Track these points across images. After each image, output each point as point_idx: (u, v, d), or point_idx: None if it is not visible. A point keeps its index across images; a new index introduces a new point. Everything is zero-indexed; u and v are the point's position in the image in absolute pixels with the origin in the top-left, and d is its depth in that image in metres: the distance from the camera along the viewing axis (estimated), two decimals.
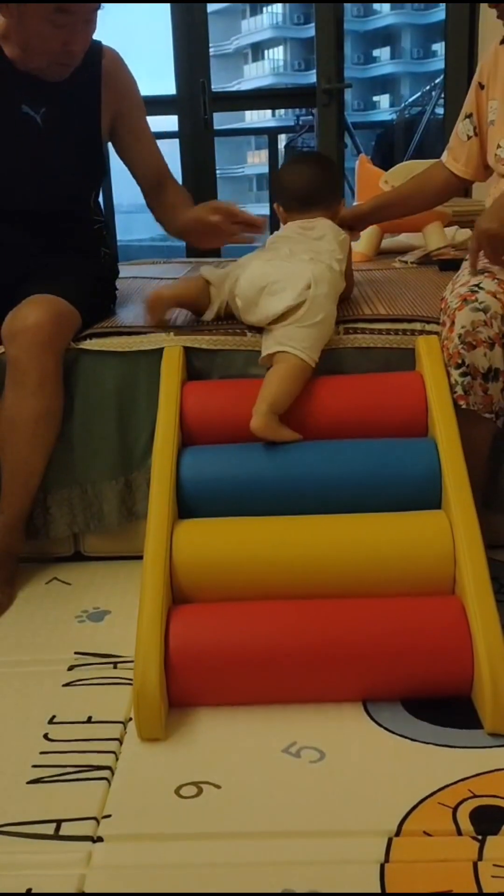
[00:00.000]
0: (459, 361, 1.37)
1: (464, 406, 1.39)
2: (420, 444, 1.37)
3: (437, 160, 1.75)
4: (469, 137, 1.65)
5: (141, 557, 1.24)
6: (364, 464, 1.34)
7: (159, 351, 1.51)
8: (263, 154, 4.66)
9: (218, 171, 3.75)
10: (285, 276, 1.42)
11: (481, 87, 1.61)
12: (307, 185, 1.55)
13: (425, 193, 1.76)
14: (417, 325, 1.53)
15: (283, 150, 4.29)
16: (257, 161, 10.02)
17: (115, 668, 1.29)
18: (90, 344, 1.54)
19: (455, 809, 0.97)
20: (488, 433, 1.45)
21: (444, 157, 1.72)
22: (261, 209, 1.82)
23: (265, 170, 4.56)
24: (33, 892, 0.88)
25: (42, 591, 1.55)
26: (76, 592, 1.54)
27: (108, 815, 0.99)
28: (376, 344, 1.52)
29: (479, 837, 0.93)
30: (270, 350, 1.40)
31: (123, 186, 1.91)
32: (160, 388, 1.45)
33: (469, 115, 1.65)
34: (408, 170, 2.22)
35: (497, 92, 1.57)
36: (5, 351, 1.46)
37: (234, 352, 1.54)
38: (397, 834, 0.94)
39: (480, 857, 0.90)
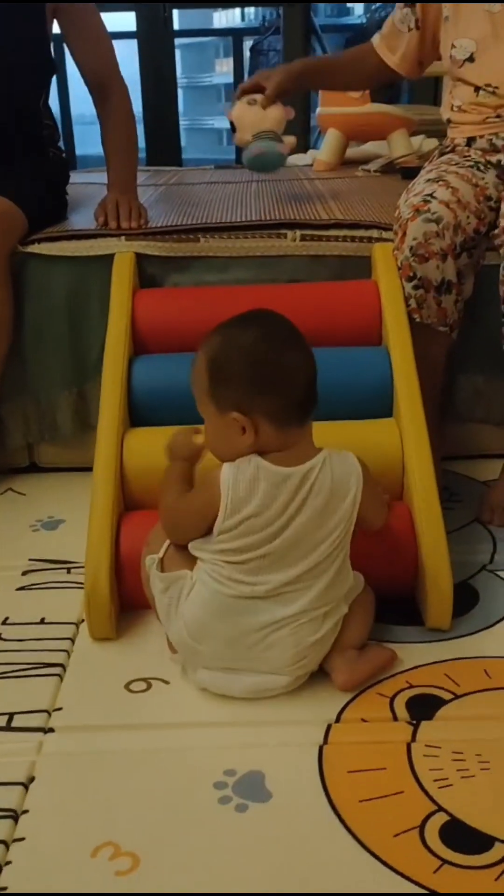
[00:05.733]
0: (411, 274, 1.36)
1: (417, 319, 1.38)
2: (373, 352, 1.37)
3: (367, 43, 1.63)
4: (409, 29, 1.55)
5: None
6: (318, 372, 1.33)
7: (111, 257, 1.48)
8: (231, 62, 4.45)
9: (184, 80, 3.60)
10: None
11: None
12: (311, 377, 0.99)
13: (357, 73, 1.67)
14: (374, 232, 1.51)
15: (248, 54, 4.10)
16: (226, 69, 9.56)
17: (68, 573, 1.31)
18: (38, 248, 1.49)
19: (392, 699, 1.02)
20: (443, 346, 1.45)
21: (377, 42, 1.61)
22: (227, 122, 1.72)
23: (233, 79, 4.36)
24: None
25: None
26: (31, 502, 1.54)
27: (60, 708, 1.02)
28: (332, 252, 1.50)
29: (414, 723, 0.98)
30: None
31: (82, 96, 1.81)
32: (111, 296, 1.41)
33: (412, 6, 1.53)
34: None
35: None
36: None
37: (188, 259, 1.51)
38: (336, 721, 0.99)
39: (414, 739, 0.95)
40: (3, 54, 1.50)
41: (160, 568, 1.05)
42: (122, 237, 1.50)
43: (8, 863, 0.81)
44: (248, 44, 4.16)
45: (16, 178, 1.50)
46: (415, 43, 1.56)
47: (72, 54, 1.61)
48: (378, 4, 4.10)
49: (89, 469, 1.26)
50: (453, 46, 1.48)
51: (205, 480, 0.99)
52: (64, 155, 1.74)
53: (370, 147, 2.40)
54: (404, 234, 1.36)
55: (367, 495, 1.02)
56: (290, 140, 1.66)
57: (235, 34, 4.05)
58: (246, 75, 4.12)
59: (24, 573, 1.31)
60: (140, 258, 1.49)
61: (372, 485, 1.05)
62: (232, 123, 1.66)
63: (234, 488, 0.95)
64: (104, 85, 1.61)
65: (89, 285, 1.50)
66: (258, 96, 1.62)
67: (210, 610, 0.99)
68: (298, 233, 1.49)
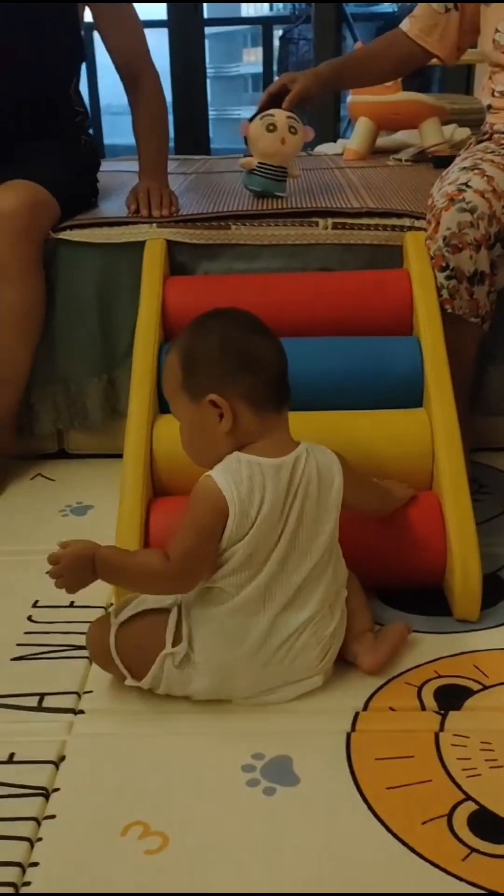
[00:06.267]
0: (444, 264, 1.35)
1: (449, 310, 1.37)
2: (404, 342, 1.36)
3: (396, 30, 1.58)
4: (447, 10, 1.50)
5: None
6: (347, 361, 1.33)
7: (141, 245, 1.48)
8: (259, 52, 4.44)
9: (212, 70, 3.59)
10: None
11: None
12: (284, 363, 0.99)
13: (386, 63, 1.60)
14: (407, 221, 1.50)
15: (278, 44, 4.08)
16: (253, 59, 9.52)
17: None
18: (70, 234, 1.50)
19: (420, 688, 1.02)
20: (474, 337, 1.43)
21: (408, 27, 1.56)
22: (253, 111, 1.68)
23: (261, 69, 4.35)
24: (16, 756, 0.93)
25: (27, 486, 1.56)
26: (60, 488, 1.55)
27: (90, 691, 1.03)
28: (363, 240, 1.49)
29: (442, 712, 0.98)
30: None
31: (110, 86, 1.81)
32: (142, 282, 1.42)
33: None
34: None
35: None
36: None
37: (218, 246, 1.50)
38: (364, 709, 0.99)
39: (442, 729, 0.95)
40: (35, 40, 1.51)
41: (122, 659, 0.97)
42: (154, 224, 1.50)
43: (39, 839, 0.83)
44: (277, 33, 4.14)
45: (49, 164, 1.51)
46: (455, 25, 1.52)
47: (103, 40, 1.61)
48: None
49: (118, 456, 1.26)
50: (497, 31, 1.46)
51: (199, 496, 0.93)
52: (93, 141, 1.75)
53: (401, 136, 2.38)
54: (438, 223, 1.35)
55: (351, 482, 1.01)
56: (297, 140, 1.58)
57: (265, 23, 4.02)
58: (275, 65, 4.10)
59: None
60: (170, 246, 1.49)
61: (353, 471, 1.04)
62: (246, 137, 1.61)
63: (237, 489, 0.91)
64: (135, 71, 1.61)
65: (120, 272, 1.51)
66: (278, 118, 1.55)
67: (235, 650, 0.95)
68: (330, 221, 1.49)
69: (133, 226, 1.50)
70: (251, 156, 1.62)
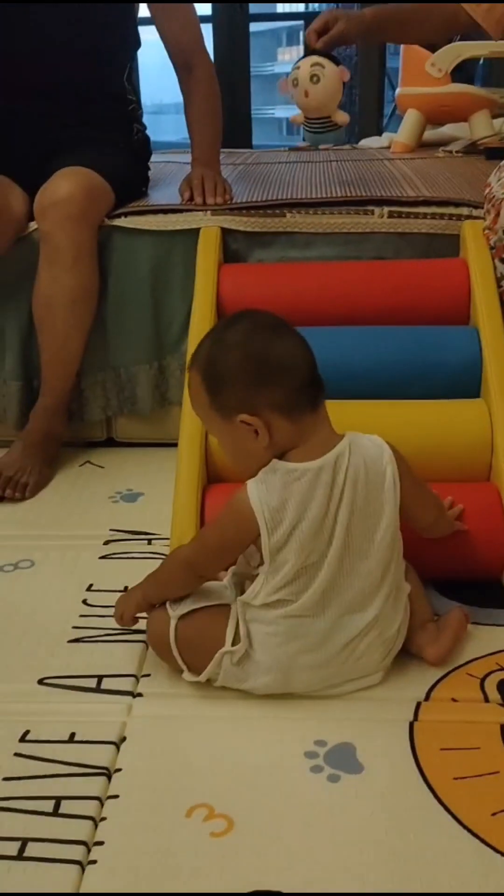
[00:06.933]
0: None
1: None
2: (461, 331, 1.34)
3: None
4: None
5: (173, 444, 1.24)
6: (404, 350, 1.32)
7: (195, 232, 1.48)
8: (294, 51, 4.43)
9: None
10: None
11: None
12: (311, 360, 0.94)
13: (432, 20, 1.60)
14: (465, 210, 1.48)
15: None
16: (288, 58, 9.51)
17: (149, 543, 1.32)
18: (124, 221, 1.50)
19: (483, 680, 1.00)
20: None
21: None
22: (291, 111, 1.69)
23: None
24: (77, 736, 0.93)
25: (76, 472, 1.57)
26: (109, 475, 1.56)
27: (148, 675, 1.02)
28: (420, 229, 1.47)
29: None
30: None
31: (148, 84, 1.81)
32: (196, 269, 1.42)
33: None
34: (455, 52, 2.10)
35: None
36: (38, 227, 1.43)
37: (272, 235, 1.50)
38: (426, 699, 0.97)
39: None
40: (93, 29, 1.51)
41: (182, 658, 0.97)
42: (208, 212, 1.50)
43: (103, 818, 0.82)
44: None
45: (104, 152, 1.51)
46: None
47: (158, 30, 1.61)
48: None
49: (166, 444, 1.26)
50: None
51: (230, 506, 0.93)
52: (144, 130, 1.75)
53: (447, 129, 2.35)
54: (497, 214, 1.33)
55: (406, 477, 0.97)
56: (322, 87, 1.62)
57: (307, 18, 4.00)
58: None
59: (106, 542, 1.32)
60: (224, 233, 1.48)
61: (409, 466, 0.99)
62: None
63: (268, 501, 0.89)
64: (189, 61, 1.60)
65: (173, 260, 1.51)
66: (301, 70, 1.57)
67: (294, 650, 0.93)
68: (386, 209, 1.47)
69: (187, 213, 1.50)
70: (299, 122, 1.67)
